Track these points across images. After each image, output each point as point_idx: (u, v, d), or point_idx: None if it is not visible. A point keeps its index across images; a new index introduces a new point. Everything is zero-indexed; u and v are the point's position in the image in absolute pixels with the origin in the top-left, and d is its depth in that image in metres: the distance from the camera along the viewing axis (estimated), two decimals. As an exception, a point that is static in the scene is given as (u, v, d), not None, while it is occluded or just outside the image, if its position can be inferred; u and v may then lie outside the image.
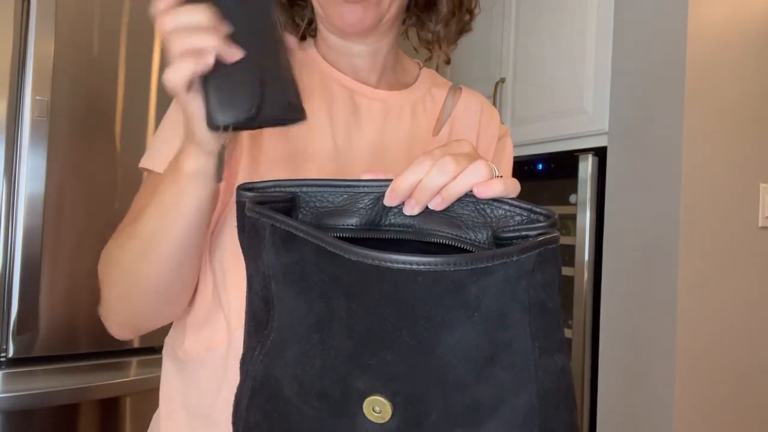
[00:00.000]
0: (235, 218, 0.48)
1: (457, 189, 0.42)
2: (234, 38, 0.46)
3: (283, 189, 0.46)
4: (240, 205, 0.46)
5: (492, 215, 0.43)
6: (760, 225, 1.56)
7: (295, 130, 0.64)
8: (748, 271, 1.54)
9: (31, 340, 1.46)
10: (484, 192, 0.42)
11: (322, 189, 0.46)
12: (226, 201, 0.64)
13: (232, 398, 0.60)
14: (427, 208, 0.44)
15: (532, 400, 0.39)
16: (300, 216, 0.47)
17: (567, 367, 0.42)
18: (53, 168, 1.48)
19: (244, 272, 0.49)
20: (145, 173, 0.66)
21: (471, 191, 0.42)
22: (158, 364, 1.66)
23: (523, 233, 0.40)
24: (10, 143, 1.46)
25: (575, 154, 1.71)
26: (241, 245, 0.48)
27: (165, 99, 1.65)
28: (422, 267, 0.36)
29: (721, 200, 1.49)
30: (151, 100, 1.64)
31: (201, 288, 0.66)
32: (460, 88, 0.79)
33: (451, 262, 0.36)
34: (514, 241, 0.40)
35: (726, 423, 1.50)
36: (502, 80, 2.00)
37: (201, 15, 0.45)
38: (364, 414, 0.40)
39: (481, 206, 0.43)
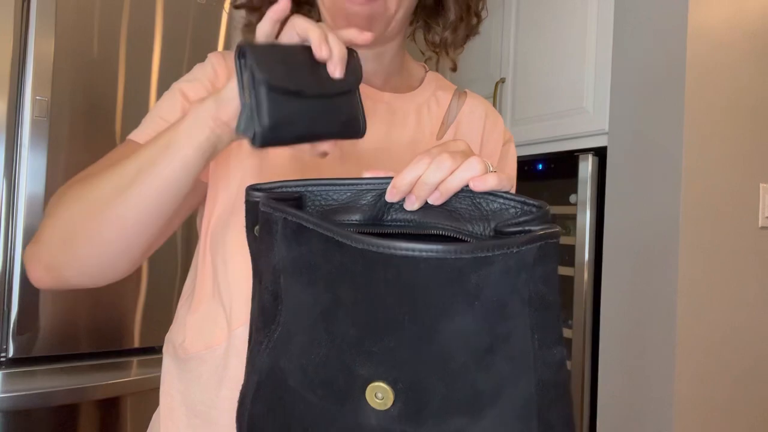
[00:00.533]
0: (243, 218, 0.49)
1: (454, 184, 0.44)
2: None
3: (289, 189, 0.48)
4: (249, 205, 0.48)
5: (488, 208, 0.45)
6: (760, 225, 1.56)
7: None
8: (748, 271, 1.54)
9: (31, 340, 1.46)
10: (480, 185, 0.44)
11: (326, 188, 0.48)
12: (231, 202, 0.64)
13: (232, 396, 0.61)
14: (426, 203, 0.46)
15: (530, 391, 0.40)
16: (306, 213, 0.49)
17: (565, 360, 0.43)
18: (53, 168, 1.48)
19: (247, 270, 0.49)
20: (126, 141, 0.66)
21: (467, 186, 0.44)
22: (158, 363, 1.66)
23: (526, 228, 0.42)
24: (10, 143, 1.46)
25: (575, 154, 1.71)
26: (249, 244, 0.49)
27: (165, 99, 1.65)
28: (425, 254, 0.37)
29: (721, 200, 1.49)
30: (151, 100, 1.64)
31: (201, 286, 0.66)
32: (465, 92, 0.80)
33: (453, 250, 0.37)
34: (517, 235, 0.41)
35: (726, 423, 1.50)
36: (502, 80, 2.00)
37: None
38: (366, 401, 0.41)
39: (477, 200, 0.45)
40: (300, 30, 0.48)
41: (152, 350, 1.65)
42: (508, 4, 2.03)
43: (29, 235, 1.45)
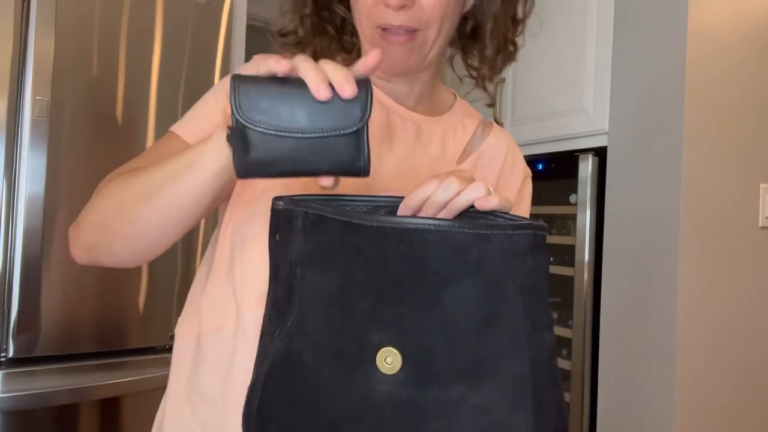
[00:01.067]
0: (266, 210, 0.54)
1: (460, 203, 0.49)
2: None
3: (310, 201, 0.53)
4: (274, 213, 0.53)
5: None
6: (760, 225, 1.56)
7: None
8: (748, 271, 1.54)
9: (32, 340, 1.46)
10: (484, 205, 0.49)
11: (344, 202, 0.54)
12: (257, 195, 0.67)
13: (239, 380, 0.63)
14: None
15: (525, 368, 0.46)
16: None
17: (554, 346, 0.49)
18: (53, 168, 1.48)
19: (261, 256, 0.55)
20: (169, 133, 0.69)
21: (472, 206, 0.50)
22: (158, 363, 1.67)
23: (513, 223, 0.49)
24: (10, 143, 1.46)
25: (575, 154, 1.71)
26: (269, 249, 0.54)
27: (165, 99, 1.66)
28: (432, 226, 0.44)
29: (721, 200, 1.49)
30: (151, 99, 1.64)
31: (216, 269, 0.68)
32: (491, 124, 0.82)
33: (456, 225, 0.44)
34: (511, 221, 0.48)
35: (726, 422, 1.50)
36: (502, 80, 2.00)
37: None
38: (377, 366, 0.46)
39: (479, 218, 0.50)
40: (302, 72, 0.48)
41: (152, 350, 1.65)
42: (508, 4, 2.02)
43: (29, 235, 1.45)
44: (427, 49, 0.68)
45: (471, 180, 0.51)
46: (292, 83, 0.48)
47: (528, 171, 0.82)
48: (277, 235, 0.53)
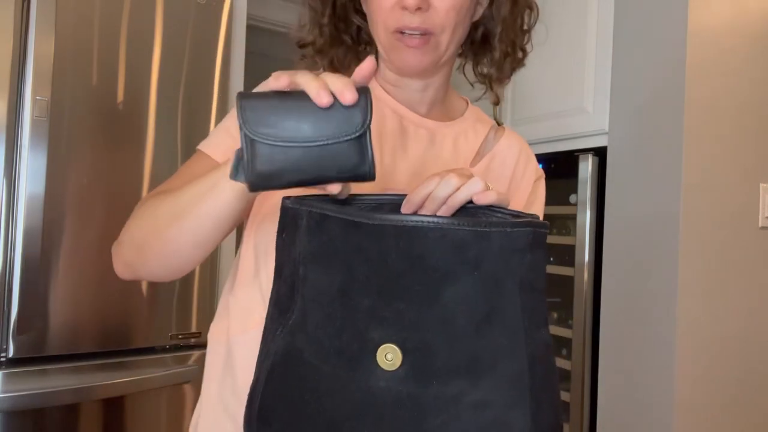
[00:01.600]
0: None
1: (459, 198, 0.51)
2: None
3: (314, 203, 0.54)
4: (282, 211, 0.55)
5: (488, 220, 0.51)
6: (760, 225, 1.56)
7: None
8: (748, 271, 1.54)
9: (32, 340, 1.46)
10: (482, 199, 0.51)
11: (348, 201, 0.55)
12: (270, 203, 0.70)
13: None
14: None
15: (522, 364, 0.46)
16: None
17: (551, 344, 0.49)
18: (53, 168, 1.49)
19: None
20: (198, 152, 0.73)
21: (471, 201, 0.51)
22: (159, 364, 1.67)
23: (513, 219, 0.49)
24: (10, 143, 1.46)
25: (575, 154, 1.71)
26: (276, 247, 0.56)
27: (165, 99, 1.66)
28: (431, 224, 0.45)
29: (721, 200, 1.49)
30: (151, 99, 1.64)
31: (243, 272, 0.71)
32: (504, 128, 0.84)
33: (455, 222, 0.45)
34: (510, 218, 0.49)
35: (726, 422, 1.50)
36: (502, 80, 2.00)
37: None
38: (377, 363, 0.46)
39: (479, 215, 0.52)
40: (301, 83, 0.50)
41: (152, 350, 1.65)
42: (508, 4, 2.02)
43: (29, 235, 1.46)
44: (441, 51, 0.71)
45: (470, 176, 0.53)
46: (296, 96, 0.50)
47: (540, 172, 0.84)
48: (284, 234, 0.54)
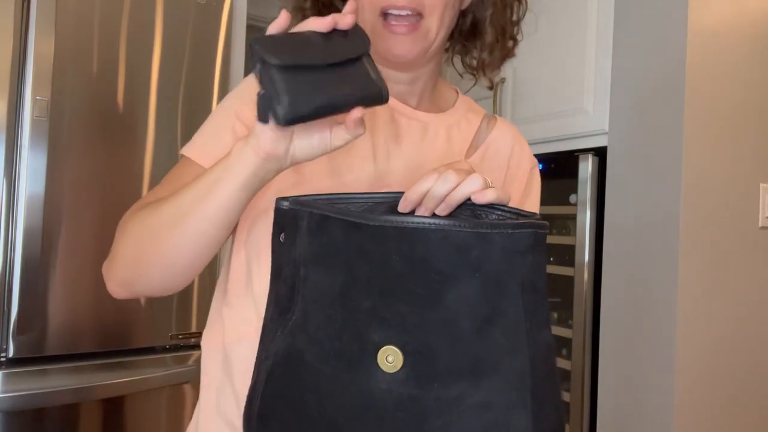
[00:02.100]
0: (271, 222, 0.55)
1: (458, 196, 0.50)
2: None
3: (314, 204, 0.54)
4: (278, 212, 0.54)
5: (487, 218, 0.51)
6: (760, 225, 1.56)
7: None
8: (748, 271, 1.54)
9: (32, 340, 1.46)
10: (480, 198, 0.50)
11: (345, 201, 0.55)
12: (261, 206, 0.68)
13: None
14: (434, 214, 0.52)
15: (524, 366, 0.46)
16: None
17: (553, 344, 0.49)
18: (53, 168, 1.48)
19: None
20: (182, 158, 0.70)
21: (470, 199, 0.50)
22: (159, 364, 1.66)
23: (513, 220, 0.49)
24: (10, 143, 1.46)
25: (575, 154, 1.71)
26: (272, 248, 0.55)
27: (165, 99, 1.66)
28: (433, 226, 0.45)
29: (721, 200, 1.49)
30: (151, 99, 1.64)
31: (234, 281, 0.69)
32: (495, 117, 0.83)
33: (457, 224, 0.45)
34: (511, 220, 0.49)
35: (726, 422, 1.50)
36: (502, 80, 2.00)
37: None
38: (378, 365, 0.46)
39: (478, 211, 0.52)
40: (305, 24, 0.53)
41: (152, 350, 1.65)
42: (508, 4, 2.02)
43: (29, 235, 1.45)
44: (431, 39, 0.69)
45: (469, 172, 0.52)
46: (301, 34, 0.53)
47: (534, 161, 0.83)
48: (282, 235, 0.54)
